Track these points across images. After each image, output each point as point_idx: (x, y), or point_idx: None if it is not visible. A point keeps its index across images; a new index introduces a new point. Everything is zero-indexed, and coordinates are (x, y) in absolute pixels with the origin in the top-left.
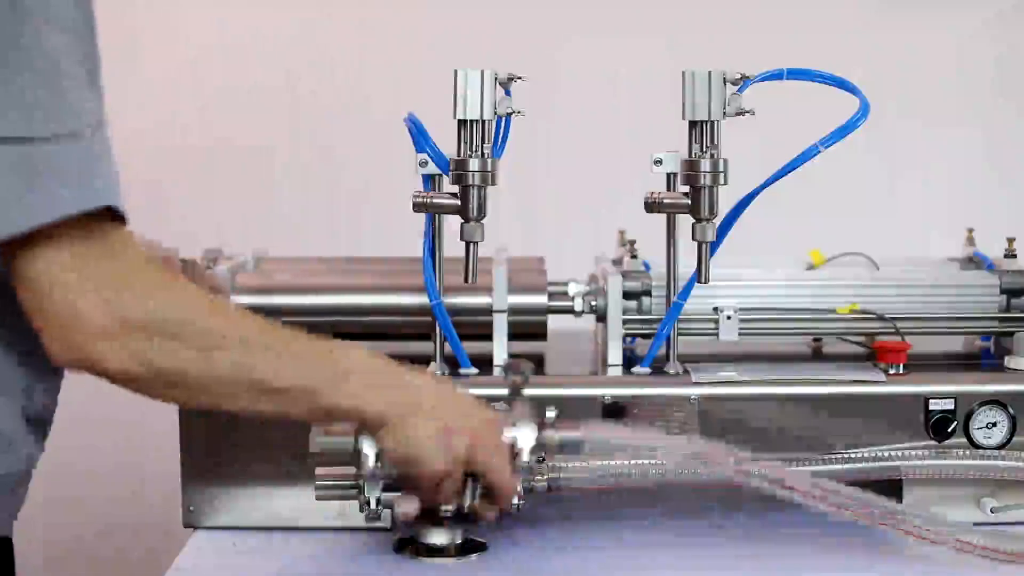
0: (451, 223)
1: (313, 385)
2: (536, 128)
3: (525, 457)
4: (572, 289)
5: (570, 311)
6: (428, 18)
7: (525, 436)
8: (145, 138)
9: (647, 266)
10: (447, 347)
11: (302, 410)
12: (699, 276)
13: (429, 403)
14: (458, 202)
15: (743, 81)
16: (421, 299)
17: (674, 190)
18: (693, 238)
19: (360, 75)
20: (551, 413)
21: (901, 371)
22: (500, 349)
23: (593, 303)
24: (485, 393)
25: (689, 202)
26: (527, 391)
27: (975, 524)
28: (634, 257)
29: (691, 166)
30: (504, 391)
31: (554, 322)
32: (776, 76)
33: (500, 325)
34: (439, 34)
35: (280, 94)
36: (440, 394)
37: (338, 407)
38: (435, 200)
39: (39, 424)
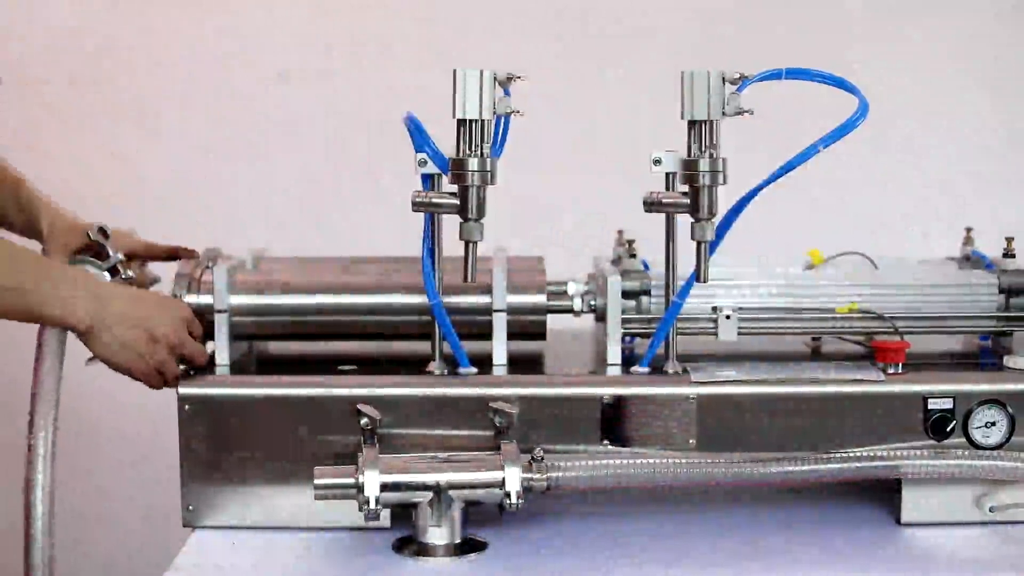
0: (450, 223)
1: (26, 287)
2: (535, 127)
3: (514, 499)
4: (571, 289)
5: (569, 311)
6: (427, 18)
7: (512, 477)
8: (144, 138)
9: (646, 265)
10: (446, 346)
11: (15, 308)
12: (698, 276)
13: (133, 312)
14: (457, 202)
15: (742, 81)
16: (421, 299)
17: (673, 190)
18: (692, 237)
19: (360, 74)
20: (539, 453)
21: (900, 370)
22: (500, 348)
23: (592, 303)
24: (485, 392)
25: (688, 201)
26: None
27: (974, 524)
28: (633, 256)
29: (690, 166)
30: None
31: (553, 321)
32: (775, 76)
33: (500, 325)
34: (438, 33)
35: (279, 93)
36: (135, 299)
37: (49, 314)
38: (434, 200)
39: None
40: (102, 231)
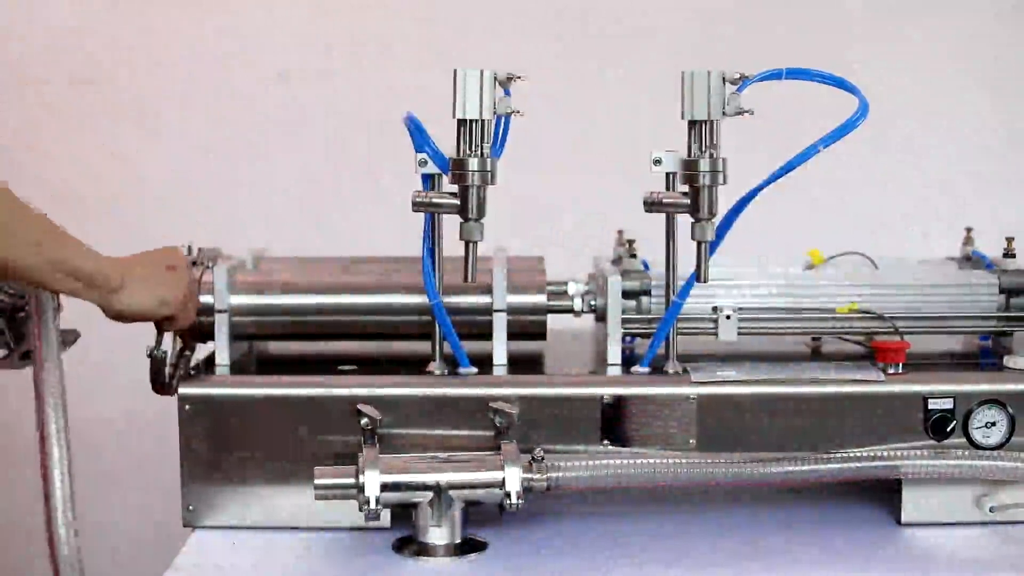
0: (451, 223)
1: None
2: (535, 127)
3: (514, 499)
4: (571, 289)
5: (569, 311)
6: (427, 18)
7: (512, 477)
8: (144, 138)
9: (646, 265)
10: (447, 346)
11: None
12: (698, 275)
13: (135, 258)
14: (457, 202)
15: (742, 81)
16: (421, 299)
17: (673, 190)
18: (692, 237)
19: (360, 74)
20: (539, 453)
21: (900, 370)
22: (500, 348)
23: (592, 303)
24: (486, 392)
25: (688, 201)
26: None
27: (974, 524)
28: (633, 256)
29: (690, 166)
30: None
31: (553, 321)
32: (775, 76)
33: (500, 325)
34: (438, 33)
35: (279, 93)
36: (128, 257)
37: (80, 268)
38: (435, 200)
39: None
40: None
